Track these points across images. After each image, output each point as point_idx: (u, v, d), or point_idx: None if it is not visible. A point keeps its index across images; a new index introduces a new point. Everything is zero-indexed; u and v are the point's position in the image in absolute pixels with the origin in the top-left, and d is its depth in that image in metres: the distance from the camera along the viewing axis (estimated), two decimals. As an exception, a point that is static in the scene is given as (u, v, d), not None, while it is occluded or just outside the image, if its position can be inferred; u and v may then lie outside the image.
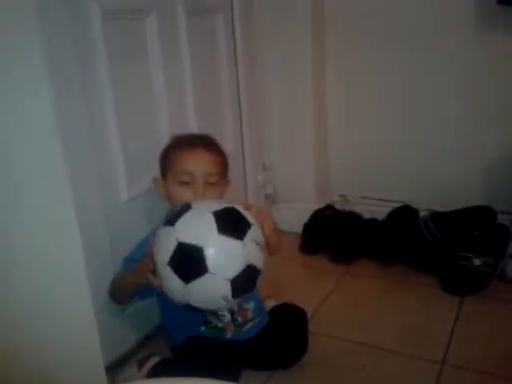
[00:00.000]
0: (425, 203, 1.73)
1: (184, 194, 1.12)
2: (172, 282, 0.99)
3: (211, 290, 0.99)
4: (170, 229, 1.00)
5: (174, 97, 1.35)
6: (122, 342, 1.26)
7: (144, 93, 1.28)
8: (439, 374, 1.20)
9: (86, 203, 1.08)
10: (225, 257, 0.98)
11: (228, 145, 1.61)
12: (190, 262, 0.97)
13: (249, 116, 1.71)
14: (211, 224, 0.98)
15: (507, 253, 1.53)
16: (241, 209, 1.05)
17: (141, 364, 1.17)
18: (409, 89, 1.75)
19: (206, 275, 0.96)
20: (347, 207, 1.88)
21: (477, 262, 1.49)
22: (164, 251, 0.99)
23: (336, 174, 1.96)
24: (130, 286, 1.13)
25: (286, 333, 1.22)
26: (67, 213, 0.92)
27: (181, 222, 1.00)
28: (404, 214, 1.71)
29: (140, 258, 1.10)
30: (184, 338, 1.17)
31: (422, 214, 1.71)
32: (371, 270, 1.65)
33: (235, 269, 0.98)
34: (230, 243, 0.98)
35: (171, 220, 1.02)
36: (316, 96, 1.80)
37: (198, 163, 1.14)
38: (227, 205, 1.04)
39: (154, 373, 1.14)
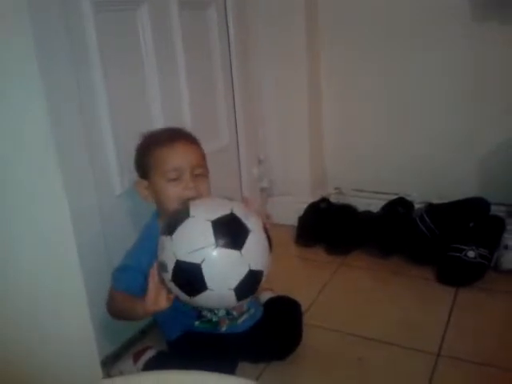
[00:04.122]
0: (420, 195, 1.73)
1: (174, 191, 1.11)
2: (177, 293, 0.98)
3: (216, 300, 0.97)
4: (168, 240, 0.97)
5: (168, 89, 1.34)
6: (118, 336, 1.26)
7: (137, 86, 1.27)
8: (435, 365, 1.21)
9: (80, 197, 1.08)
10: (224, 270, 0.95)
11: (223, 138, 1.61)
12: (189, 279, 0.95)
13: (243, 109, 1.71)
14: (209, 236, 0.94)
15: (502, 244, 1.53)
16: (240, 212, 0.99)
17: (136, 357, 1.17)
18: (404, 82, 1.75)
19: (207, 291, 0.95)
20: (342, 200, 1.89)
21: (471, 253, 1.50)
22: (166, 265, 0.97)
23: (331, 166, 1.96)
24: (130, 314, 1.09)
25: (280, 325, 1.23)
26: (61, 207, 0.92)
27: (178, 234, 0.96)
28: (399, 207, 1.71)
29: (136, 265, 1.10)
30: (179, 332, 1.17)
31: (416, 206, 1.72)
32: (366, 262, 1.66)
33: (236, 278, 0.96)
34: (228, 254, 0.95)
35: (170, 228, 0.98)
36: (311, 89, 1.80)
37: (183, 157, 1.12)
38: (226, 211, 0.98)
39: (150, 366, 1.14)
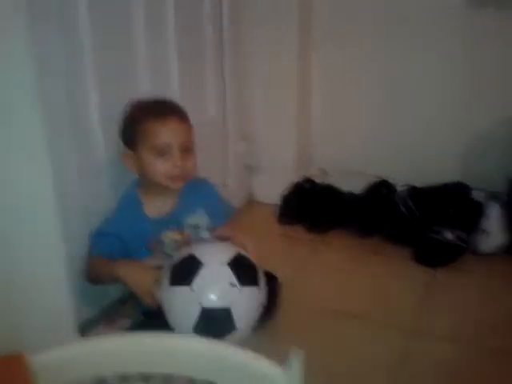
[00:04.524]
0: (403, 178, 1.74)
1: (162, 167, 1.12)
2: None
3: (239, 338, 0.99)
4: (187, 290, 0.96)
5: (156, 58, 1.32)
6: (96, 304, 1.26)
7: (125, 53, 1.25)
8: (409, 341, 1.23)
9: (61, 159, 1.06)
10: (249, 307, 1.00)
11: (210, 111, 1.60)
12: (218, 325, 0.97)
13: (232, 83, 1.69)
14: (231, 278, 0.97)
15: (479, 228, 1.56)
16: (244, 252, 1.04)
17: (112, 325, 1.17)
18: (391, 65, 1.75)
19: (235, 332, 0.97)
20: (326, 180, 1.90)
21: (449, 235, 1.53)
22: (185, 316, 0.97)
23: (316, 147, 1.96)
24: (110, 275, 1.10)
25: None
26: (42, 169, 0.91)
27: (199, 283, 0.96)
28: (382, 189, 1.73)
29: (115, 231, 1.11)
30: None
31: (399, 189, 1.73)
32: (347, 241, 1.68)
33: (256, 314, 1.01)
34: (252, 292, 0.99)
35: (184, 278, 0.97)
36: (300, 69, 1.79)
37: (173, 134, 1.12)
38: (234, 252, 1.01)
39: None
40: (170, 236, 1.16)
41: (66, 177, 1.09)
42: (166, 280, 0.99)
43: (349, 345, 1.23)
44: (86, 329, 1.19)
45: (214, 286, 0.97)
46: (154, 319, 1.17)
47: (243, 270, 0.99)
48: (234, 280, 0.96)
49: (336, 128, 1.90)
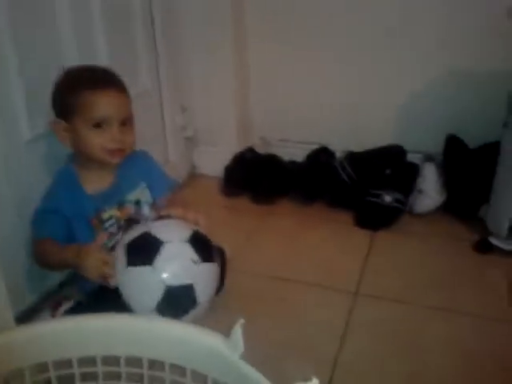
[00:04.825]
0: (341, 144, 1.77)
1: (99, 141, 1.06)
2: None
3: (201, 313, 0.99)
4: (148, 270, 0.94)
5: (81, 25, 1.25)
6: (34, 290, 1.21)
7: (46, 20, 1.17)
8: (353, 303, 1.27)
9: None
10: (210, 281, 1.01)
11: (145, 83, 1.54)
12: (181, 302, 0.96)
13: (166, 54, 1.63)
14: (192, 255, 0.96)
15: (415, 189, 1.61)
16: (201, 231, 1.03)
17: (54, 308, 1.14)
18: (322, 30, 1.74)
19: (198, 306, 0.97)
20: (268, 150, 1.90)
21: (387, 198, 1.57)
22: (146, 296, 0.94)
23: (256, 116, 1.95)
24: (62, 263, 1.05)
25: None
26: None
27: (160, 262, 0.94)
28: (321, 155, 1.75)
29: (55, 208, 1.07)
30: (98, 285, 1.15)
31: (338, 155, 1.76)
32: (291, 210, 1.70)
33: (214, 289, 1.02)
34: (210, 267, 1.00)
35: (144, 258, 0.94)
36: (236, 37, 1.76)
37: (112, 107, 1.06)
38: (191, 229, 1.00)
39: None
40: (109, 212, 1.12)
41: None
42: (122, 260, 0.96)
43: (296, 310, 1.26)
44: (27, 318, 1.15)
45: (177, 263, 0.96)
46: (96, 300, 1.14)
47: (202, 247, 0.99)
48: (195, 256, 0.96)
49: (274, 96, 1.89)
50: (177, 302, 0.96)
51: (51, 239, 1.07)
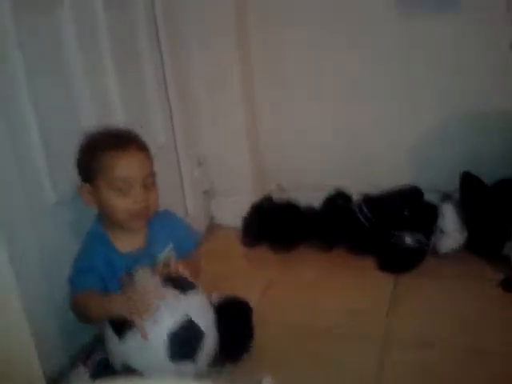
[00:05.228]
0: (357, 187, 1.77)
1: (123, 203, 1.07)
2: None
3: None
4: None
5: (96, 88, 1.30)
6: (66, 350, 1.21)
7: (64, 86, 1.21)
8: (383, 350, 1.25)
9: (9, 210, 1.03)
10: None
11: (159, 139, 1.58)
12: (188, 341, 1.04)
13: (179, 109, 1.68)
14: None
15: (437, 229, 1.60)
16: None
17: (85, 358, 1.13)
18: (338, 76, 1.78)
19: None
20: (284, 196, 1.91)
21: (409, 240, 1.56)
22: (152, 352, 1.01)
23: (271, 163, 1.97)
24: (103, 315, 1.05)
25: (230, 327, 1.21)
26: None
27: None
28: (338, 199, 1.75)
29: (92, 266, 1.08)
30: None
31: (354, 197, 1.76)
32: (311, 256, 1.69)
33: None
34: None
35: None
36: (245, 85, 1.81)
37: (133, 167, 1.07)
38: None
39: (100, 366, 1.11)
40: (141, 272, 1.12)
41: (16, 221, 1.05)
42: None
43: (324, 360, 1.23)
44: (65, 374, 1.15)
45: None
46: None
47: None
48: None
49: (286, 142, 1.92)
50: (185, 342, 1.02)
51: (89, 291, 1.07)
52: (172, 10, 1.62)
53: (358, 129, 1.82)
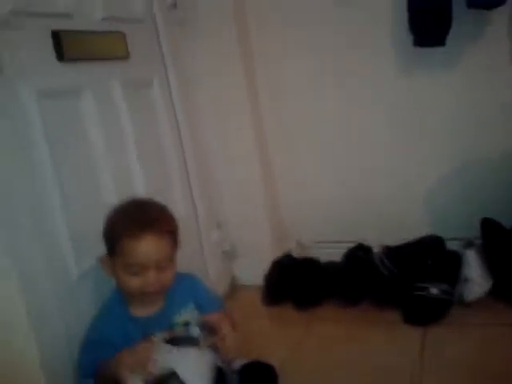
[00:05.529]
0: (376, 239, 1.77)
1: (135, 283, 1.09)
2: None
3: None
4: None
5: (119, 167, 1.35)
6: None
7: (87, 166, 1.27)
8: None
9: (35, 286, 1.05)
10: None
11: (179, 207, 1.62)
12: None
13: (197, 176, 1.73)
14: None
15: (462, 277, 1.57)
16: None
17: None
18: (351, 132, 1.83)
19: None
20: (304, 253, 1.91)
21: (434, 290, 1.53)
22: None
23: (289, 221, 1.99)
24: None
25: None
26: (15, 305, 0.90)
27: None
28: (359, 253, 1.74)
29: (103, 339, 1.08)
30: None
31: (375, 250, 1.75)
32: (335, 313, 1.66)
33: None
34: None
35: None
36: (262, 150, 1.86)
37: (149, 253, 1.08)
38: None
39: None
40: (160, 337, 1.12)
41: (40, 305, 1.07)
42: None
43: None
44: None
45: None
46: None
47: None
48: None
49: (303, 198, 1.94)
50: None
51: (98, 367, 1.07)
52: (186, 86, 1.70)
53: (373, 180, 1.84)
